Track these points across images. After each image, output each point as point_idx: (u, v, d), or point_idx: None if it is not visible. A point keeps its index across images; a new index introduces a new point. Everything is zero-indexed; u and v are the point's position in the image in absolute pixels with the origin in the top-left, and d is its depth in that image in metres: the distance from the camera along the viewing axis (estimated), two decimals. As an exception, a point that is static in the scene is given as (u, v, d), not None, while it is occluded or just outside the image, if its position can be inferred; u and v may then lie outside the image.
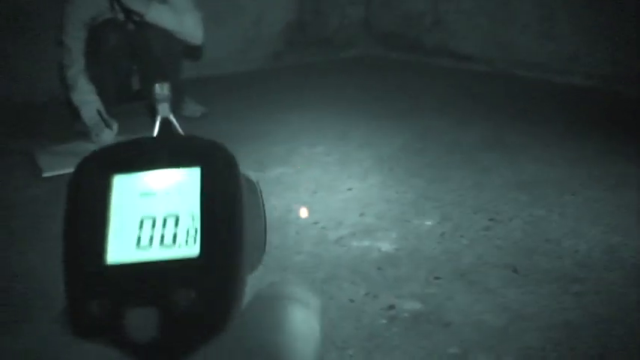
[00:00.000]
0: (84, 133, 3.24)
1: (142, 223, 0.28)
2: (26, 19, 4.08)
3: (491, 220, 2.19)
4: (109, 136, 3.13)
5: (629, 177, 2.54)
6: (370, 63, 5.49)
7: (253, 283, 0.29)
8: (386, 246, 2.04)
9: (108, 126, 3.14)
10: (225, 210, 0.27)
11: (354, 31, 5.85)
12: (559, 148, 2.92)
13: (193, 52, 4.28)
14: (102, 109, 3.21)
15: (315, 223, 2.22)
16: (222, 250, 0.27)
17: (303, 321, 0.27)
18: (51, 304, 1.75)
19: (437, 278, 1.83)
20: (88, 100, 3.21)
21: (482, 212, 2.25)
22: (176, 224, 0.28)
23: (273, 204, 2.36)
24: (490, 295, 1.73)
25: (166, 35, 3.35)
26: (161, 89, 2.76)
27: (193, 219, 0.28)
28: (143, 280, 0.26)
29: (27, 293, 1.83)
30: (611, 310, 1.65)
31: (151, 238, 0.28)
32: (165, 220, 0.28)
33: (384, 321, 1.63)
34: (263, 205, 0.34)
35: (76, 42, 3.21)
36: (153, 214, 0.28)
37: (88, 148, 3.04)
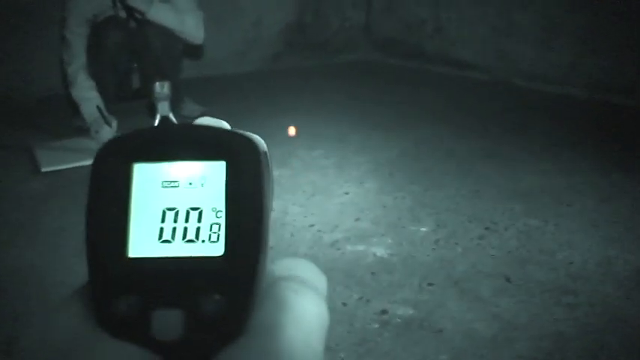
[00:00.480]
0: (83, 129, 3.24)
1: (164, 214, 0.28)
2: (27, 14, 4.08)
3: (486, 228, 2.20)
4: (108, 133, 3.13)
5: (625, 189, 2.55)
6: (370, 68, 5.50)
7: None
8: (380, 251, 2.04)
9: (107, 123, 3.13)
10: (251, 208, 0.27)
11: (354, 35, 5.86)
12: (556, 158, 2.93)
13: (194, 51, 4.28)
14: (102, 106, 3.20)
15: (311, 225, 2.22)
16: (247, 250, 0.26)
17: (314, 306, 0.27)
18: (49, 298, 1.75)
19: (430, 285, 1.84)
20: (87, 96, 3.21)
21: (478, 221, 2.26)
22: (199, 219, 0.27)
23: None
24: (482, 304, 1.73)
25: (167, 34, 3.35)
26: (161, 88, 2.78)
27: (217, 215, 0.27)
28: (167, 278, 0.26)
29: (25, 289, 1.84)
30: (603, 322, 1.66)
31: (174, 231, 0.27)
32: (188, 213, 0.28)
33: (376, 325, 1.63)
34: (271, 170, 0.34)
35: (77, 38, 3.21)
36: (175, 206, 0.28)
37: (86, 144, 3.05)
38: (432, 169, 2.80)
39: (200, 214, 0.27)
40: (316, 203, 2.42)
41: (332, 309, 1.66)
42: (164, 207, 0.28)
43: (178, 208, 0.28)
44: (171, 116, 2.81)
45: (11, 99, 4.06)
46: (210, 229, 0.27)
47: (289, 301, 0.26)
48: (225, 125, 0.33)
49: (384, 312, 1.69)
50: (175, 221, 0.28)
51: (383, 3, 5.72)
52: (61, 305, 0.26)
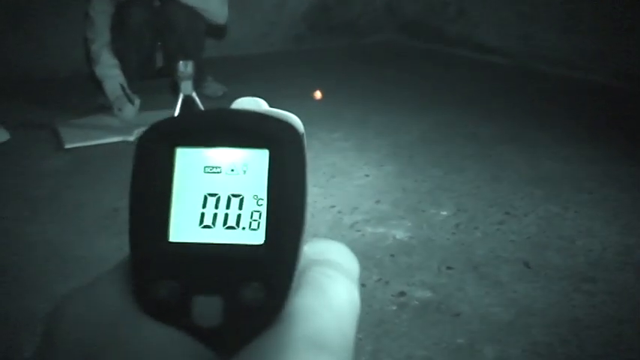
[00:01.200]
0: (105, 107, 3.27)
1: (205, 200, 0.28)
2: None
3: (506, 213, 2.20)
4: (131, 111, 3.15)
5: (647, 178, 2.54)
6: (392, 50, 5.47)
7: None
8: (400, 234, 2.05)
9: (130, 101, 3.15)
10: (292, 198, 0.27)
11: (378, 17, 5.83)
12: (578, 145, 2.91)
13: (217, 31, 4.29)
14: (124, 84, 3.22)
15: (332, 207, 2.23)
16: (287, 240, 0.26)
17: (346, 292, 0.27)
18: (69, 274, 1.78)
19: (449, 268, 1.85)
20: (110, 74, 3.23)
21: (498, 206, 2.26)
22: (240, 206, 0.28)
23: (290, 186, 2.38)
24: (500, 289, 1.74)
25: (191, 13, 3.36)
26: (185, 67, 2.80)
27: (258, 202, 0.27)
28: (207, 264, 0.26)
29: (47, 264, 1.87)
30: (621, 311, 1.66)
31: (215, 217, 0.27)
32: (229, 200, 0.28)
33: (394, 307, 1.64)
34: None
35: (101, 16, 3.22)
36: (217, 192, 0.28)
37: (109, 121, 3.08)
38: (452, 153, 2.79)
39: (241, 201, 0.28)
40: (336, 185, 2.43)
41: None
42: (206, 192, 0.28)
43: (220, 194, 0.28)
44: (194, 95, 2.82)
45: (35, 77, 4.09)
46: (251, 217, 0.27)
47: (323, 287, 0.26)
48: (264, 104, 0.33)
49: (402, 294, 1.71)
50: (217, 207, 0.28)
51: (407, -15, 5.69)
52: (99, 284, 0.27)
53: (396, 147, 2.87)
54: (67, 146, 2.79)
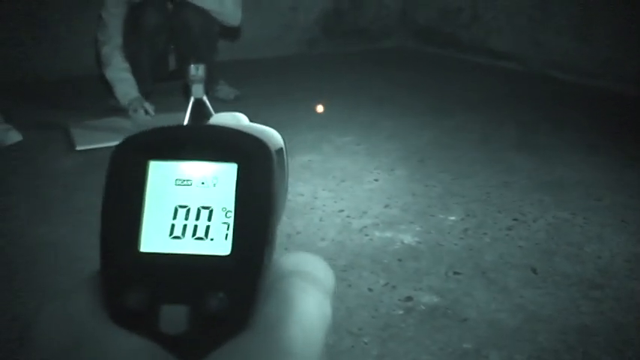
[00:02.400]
0: (117, 109, 3.28)
1: (176, 211, 0.29)
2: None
3: (515, 219, 2.19)
4: (145, 115, 3.16)
5: (657, 186, 2.53)
6: (405, 55, 5.48)
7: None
8: (408, 238, 2.05)
9: (146, 112, 3.17)
10: (259, 211, 0.27)
11: (391, 22, 5.84)
12: (588, 152, 2.91)
13: (230, 33, 4.31)
14: (135, 89, 3.24)
15: (341, 211, 2.24)
16: (252, 251, 0.27)
17: (317, 305, 0.27)
18: (80, 275, 1.79)
19: (456, 273, 1.85)
20: (122, 77, 3.24)
21: (507, 211, 2.25)
22: (209, 218, 0.28)
23: (300, 190, 2.39)
24: (508, 294, 1.74)
25: (205, 16, 3.37)
26: (196, 70, 2.81)
27: (227, 215, 0.28)
28: (176, 274, 0.27)
29: (57, 263, 1.88)
30: (629, 319, 1.65)
31: (184, 228, 0.28)
32: (199, 212, 0.29)
33: (401, 312, 1.65)
34: (287, 164, 0.35)
35: (114, 18, 3.23)
36: (187, 204, 0.29)
37: (121, 124, 3.10)
38: (463, 158, 2.79)
39: (210, 213, 0.28)
40: (346, 189, 2.44)
41: (358, 294, 1.69)
42: (176, 204, 0.29)
43: (190, 206, 0.29)
44: (205, 98, 2.84)
45: (48, 79, 4.12)
46: (220, 229, 0.28)
47: (294, 298, 0.27)
48: (244, 120, 0.34)
49: (409, 299, 1.71)
50: (186, 219, 0.28)
51: (420, -10, 5.70)
52: (73, 293, 0.27)
53: (407, 151, 2.87)
54: (79, 148, 2.81)
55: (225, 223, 0.28)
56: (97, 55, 3.46)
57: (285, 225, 2.08)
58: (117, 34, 3.23)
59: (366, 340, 1.53)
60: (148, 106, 3.18)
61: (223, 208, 0.28)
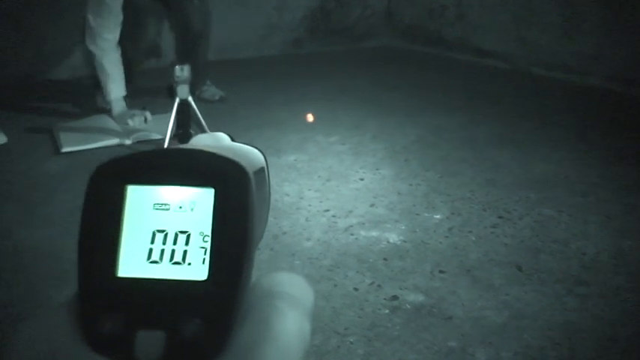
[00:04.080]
0: (105, 110, 3.25)
1: (153, 236, 0.29)
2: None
3: (500, 217, 2.20)
4: (141, 121, 3.14)
5: (641, 181, 2.54)
6: (391, 54, 5.48)
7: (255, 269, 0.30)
8: (394, 237, 2.05)
9: (145, 119, 3.16)
10: (236, 236, 0.27)
11: (376, 21, 5.85)
12: (573, 148, 2.92)
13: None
14: (124, 88, 3.21)
15: (326, 210, 2.24)
16: (229, 277, 0.27)
17: (295, 325, 0.27)
18: (63, 279, 1.79)
19: (442, 272, 1.85)
20: (116, 73, 3.16)
21: (492, 209, 2.26)
22: (187, 242, 0.28)
23: (286, 190, 2.39)
24: (493, 292, 1.74)
25: (204, 10, 3.38)
26: (181, 71, 2.79)
27: (204, 239, 0.28)
28: (152, 299, 0.27)
29: (41, 267, 1.87)
30: (614, 314, 1.66)
31: (162, 253, 0.28)
32: (176, 236, 0.28)
33: (387, 311, 1.65)
34: (268, 183, 0.34)
35: (115, 4, 3.10)
36: (165, 228, 0.29)
37: (106, 125, 3.08)
38: (448, 157, 2.80)
39: (188, 237, 0.28)
40: (332, 188, 2.44)
41: (343, 293, 1.69)
42: (154, 229, 0.29)
43: (168, 230, 0.29)
44: (191, 99, 2.83)
45: (33, 81, 4.10)
46: (197, 253, 0.28)
47: (271, 320, 0.26)
48: (226, 140, 0.34)
49: (394, 298, 1.71)
50: (164, 243, 0.28)
51: (405, -11, 5.71)
52: (48, 316, 0.27)
53: (392, 151, 2.88)
54: (64, 150, 2.80)
55: (202, 247, 0.28)
56: (88, 36, 3.16)
57: (271, 225, 2.08)
58: (117, 25, 3.10)
59: (352, 340, 1.53)
60: (145, 113, 3.16)
61: (201, 233, 0.28)
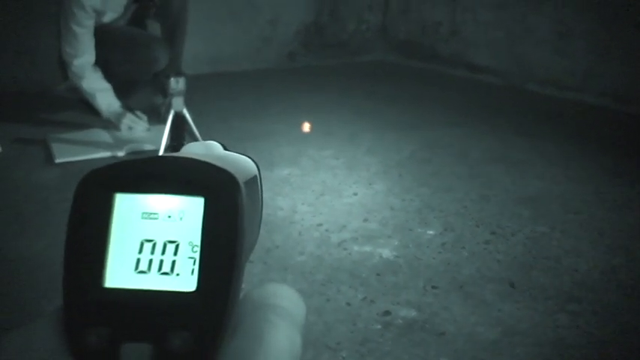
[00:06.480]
0: (104, 121, 3.25)
1: (142, 245, 0.28)
2: (45, 4, 4.12)
3: (492, 233, 2.20)
4: (142, 128, 3.15)
5: (633, 198, 2.55)
6: (385, 69, 5.50)
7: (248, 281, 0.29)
8: (387, 252, 2.06)
9: (143, 121, 3.16)
10: (225, 246, 0.27)
11: (371, 36, 5.87)
12: (566, 165, 2.93)
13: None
14: (116, 98, 3.22)
15: (319, 225, 2.24)
16: (218, 288, 0.26)
17: (286, 338, 0.27)
18: (56, 290, 1.78)
19: (434, 287, 1.85)
20: (102, 87, 3.21)
21: (485, 225, 2.27)
22: (175, 252, 0.28)
23: (280, 204, 2.38)
24: (486, 308, 1.74)
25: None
26: (176, 84, 2.80)
27: (193, 249, 0.27)
28: (139, 311, 0.26)
29: (33, 278, 1.86)
30: (606, 332, 1.66)
31: (150, 263, 0.28)
32: (165, 246, 0.28)
33: (379, 326, 1.65)
34: (261, 193, 0.34)
35: (85, 31, 3.13)
36: (153, 238, 0.28)
37: (100, 137, 3.08)
38: (441, 172, 2.81)
39: (177, 247, 0.28)
40: (325, 203, 2.44)
41: (336, 308, 1.69)
42: (142, 238, 0.28)
43: (156, 240, 0.28)
44: (186, 111, 2.83)
45: (27, 92, 4.10)
46: (186, 264, 0.28)
47: (262, 333, 0.26)
48: (218, 149, 0.34)
49: (387, 313, 1.71)
50: (152, 253, 0.28)
51: (400, 5, 5.73)
52: (32, 327, 0.27)
53: (386, 165, 2.88)
54: (58, 161, 2.79)
55: (191, 257, 0.28)
56: (61, 65, 3.34)
57: (264, 239, 2.08)
58: (89, 49, 3.16)
59: (344, 355, 1.53)
60: (141, 120, 3.17)
61: (190, 243, 0.28)
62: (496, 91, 4.62)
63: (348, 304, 1.75)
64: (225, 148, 0.35)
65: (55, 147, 2.93)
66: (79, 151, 2.88)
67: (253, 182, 0.32)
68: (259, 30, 5.20)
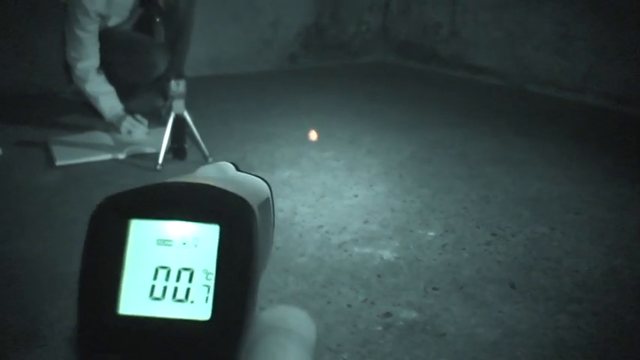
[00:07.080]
0: (105, 124, 3.25)
1: (156, 272, 0.28)
2: (44, 8, 4.12)
3: (493, 234, 2.21)
4: (142, 132, 3.15)
5: (633, 199, 2.56)
6: (385, 70, 5.50)
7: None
8: (387, 254, 2.06)
9: (143, 124, 3.16)
10: (241, 274, 0.27)
11: (372, 37, 5.87)
12: (566, 166, 2.94)
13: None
14: (119, 101, 3.23)
15: (320, 227, 2.24)
16: (232, 316, 0.26)
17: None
18: (58, 292, 1.78)
19: (435, 289, 1.85)
20: (105, 90, 3.21)
21: (485, 226, 2.27)
22: (190, 279, 0.28)
23: (280, 206, 2.39)
24: (486, 309, 1.75)
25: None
26: (177, 86, 2.80)
27: (207, 277, 0.28)
28: (153, 340, 0.26)
29: (35, 280, 1.87)
30: (606, 332, 1.66)
31: (164, 290, 0.28)
32: (179, 273, 0.28)
33: (380, 328, 1.65)
34: (273, 213, 0.34)
35: (89, 36, 3.15)
36: (168, 265, 0.28)
37: (101, 139, 3.08)
38: (442, 173, 2.81)
39: (191, 274, 0.28)
40: (325, 204, 2.44)
41: (337, 310, 1.69)
42: (157, 265, 0.28)
43: (171, 267, 0.28)
44: (186, 114, 2.83)
45: (28, 94, 4.10)
46: (200, 291, 0.27)
47: (274, 357, 0.26)
48: (231, 169, 0.34)
49: (387, 314, 1.71)
50: (167, 280, 0.28)
51: (400, 6, 5.73)
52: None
53: (386, 167, 2.89)
54: (59, 163, 2.79)
55: (205, 285, 0.28)
56: (66, 68, 3.35)
57: (265, 241, 2.07)
58: (93, 53, 3.18)
59: (345, 357, 1.53)
60: (141, 124, 3.17)
61: (204, 270, 0.28)
62: (496, 92, 4.62)
63: (349, 305, 1.75)
64: (238, 168, 0.35)
65: (56, 149, 2.94)
66: (80, 154, 2.88)
67: (266, 204, 0.32)
68: (260, 32, 5.20)
